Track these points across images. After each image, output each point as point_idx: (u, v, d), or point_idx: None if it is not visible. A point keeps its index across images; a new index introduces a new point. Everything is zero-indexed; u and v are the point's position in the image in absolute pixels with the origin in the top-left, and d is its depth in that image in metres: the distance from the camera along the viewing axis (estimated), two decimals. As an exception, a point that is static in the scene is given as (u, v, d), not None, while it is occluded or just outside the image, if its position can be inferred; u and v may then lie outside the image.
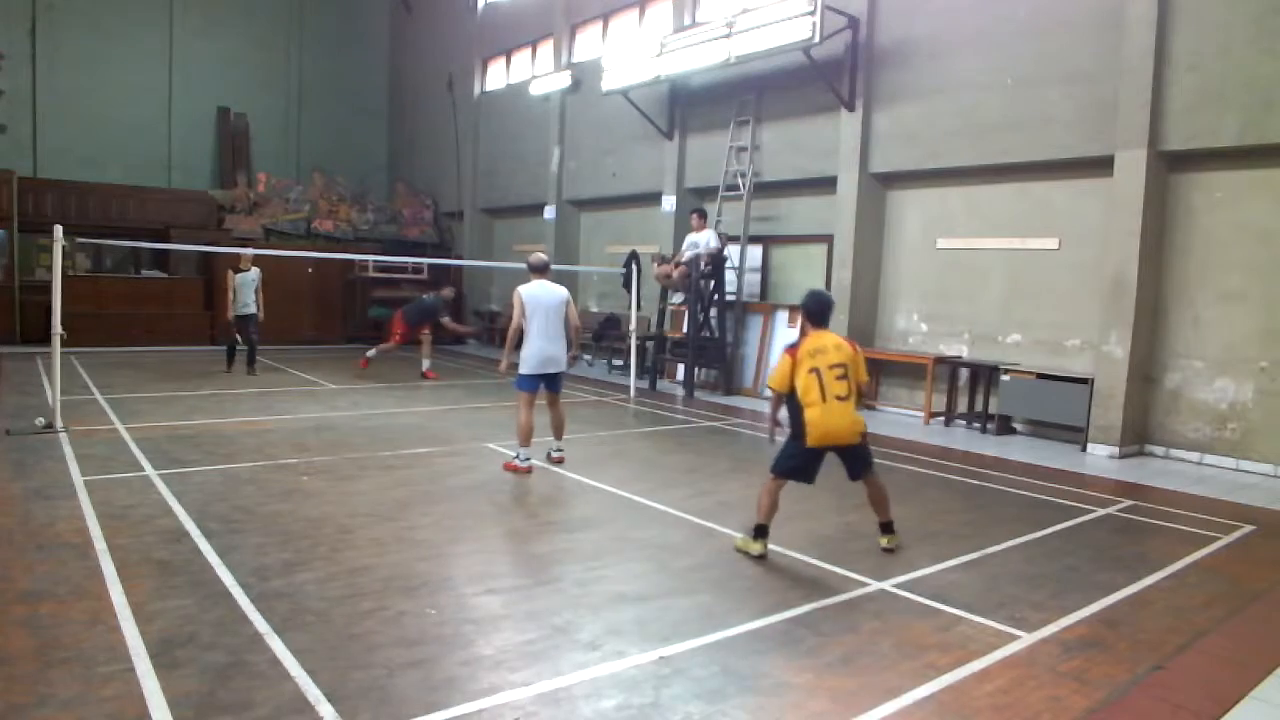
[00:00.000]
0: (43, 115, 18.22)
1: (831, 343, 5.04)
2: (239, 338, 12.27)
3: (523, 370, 6.81)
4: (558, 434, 7.25)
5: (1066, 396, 9.01)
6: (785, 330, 12.11)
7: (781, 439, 5.21)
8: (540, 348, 6.77)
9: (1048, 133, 9.19)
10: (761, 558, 4.92)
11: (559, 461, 7.20)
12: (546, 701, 3.19)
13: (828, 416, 4.86)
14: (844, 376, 4.95)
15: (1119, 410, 8.56)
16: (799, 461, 5.01)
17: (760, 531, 4.98)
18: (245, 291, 12.05)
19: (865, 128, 10.94)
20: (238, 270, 12.11)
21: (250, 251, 12.30)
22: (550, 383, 7.01)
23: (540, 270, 6.97)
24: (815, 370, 4.90)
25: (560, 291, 6.94)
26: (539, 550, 4.99)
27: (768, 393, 5.34)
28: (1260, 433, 8.06)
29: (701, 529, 5.55)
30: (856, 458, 5.10)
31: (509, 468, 6.87)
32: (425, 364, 13.19)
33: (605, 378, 13.89)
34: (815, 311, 5.30)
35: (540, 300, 6.79)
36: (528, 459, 6.81)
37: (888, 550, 5.15)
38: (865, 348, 11.21)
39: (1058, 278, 9.58)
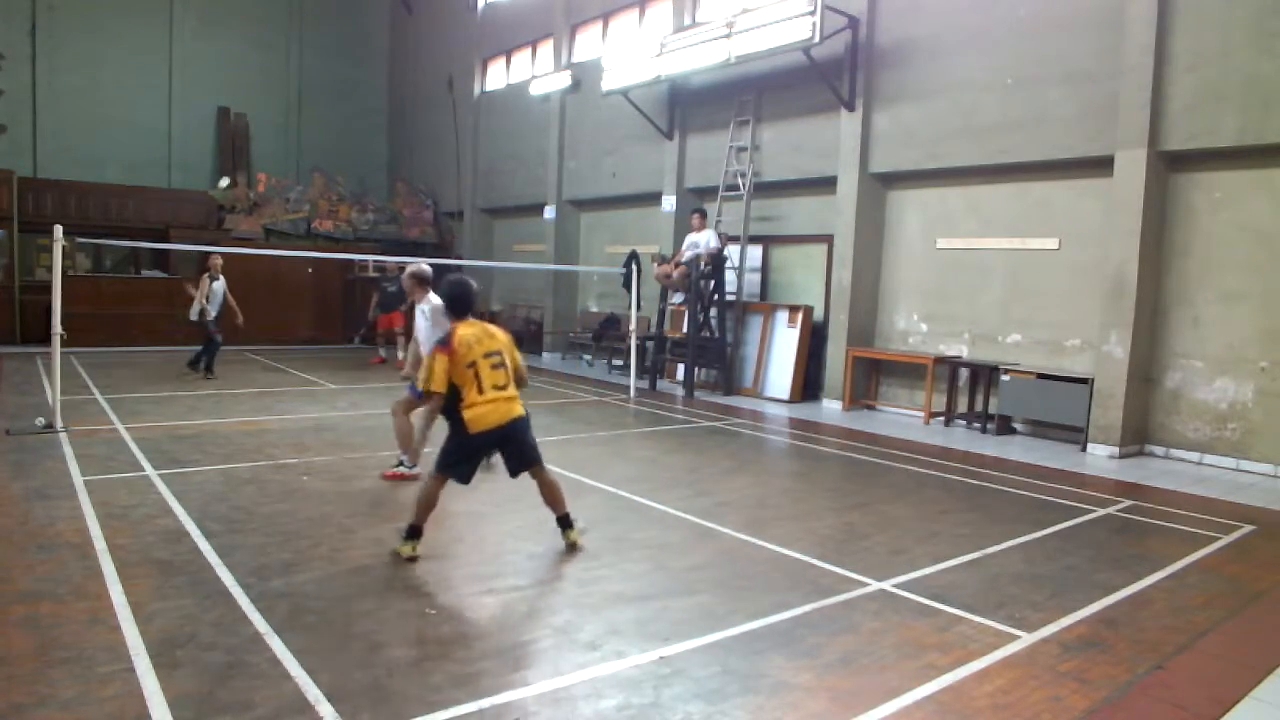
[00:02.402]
0: (43, 115, 18.22)
1: (484, 331, 4.77)
2: (215, 337, 11.67)
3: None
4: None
5: (1066, 396, 9.01)
6: (785, 330, 12.11)
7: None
8: None
9: (1048, 133, 9.19)
10: (413, 560, 4.64)
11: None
12: (546, 701, 3.19)
13: (489, 413, 4.63)
14: (499, 365, 4.71)
15: (1119, 410, 8.56)
16: (457, 450, 4.70)
17: (414, 532, 4.69)
18: (216, 298, 11.62)
19: (865, 128, 10.94)
20: (214, 277, 11.57)
21: (219, 256, 11.72)
22: None
23: (430, 282, 6.71)
24: (473, 364, 4.60)
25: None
26: (539, 550, 4.99)
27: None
28: (1260, 433, 8.06)
29: (701, 529, 5.54)
30: (519, 449, 4.83)
31: (392, 476, 6.47)
32: (390, 352, 13.89)
33: (605, 378, 13.88)
34: (456, 300, 4.88)
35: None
36: (414, 465, 6.50)
37: (573, 546, 4.94)
38: (865, 348, 11.39)
39: (1058, 278, 9.58)
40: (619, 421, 9.91)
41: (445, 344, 4.67)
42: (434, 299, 6.55)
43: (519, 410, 4.80)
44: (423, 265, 6.89)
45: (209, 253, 11.61)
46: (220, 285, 11.71)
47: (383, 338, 14.46)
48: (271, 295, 16.46)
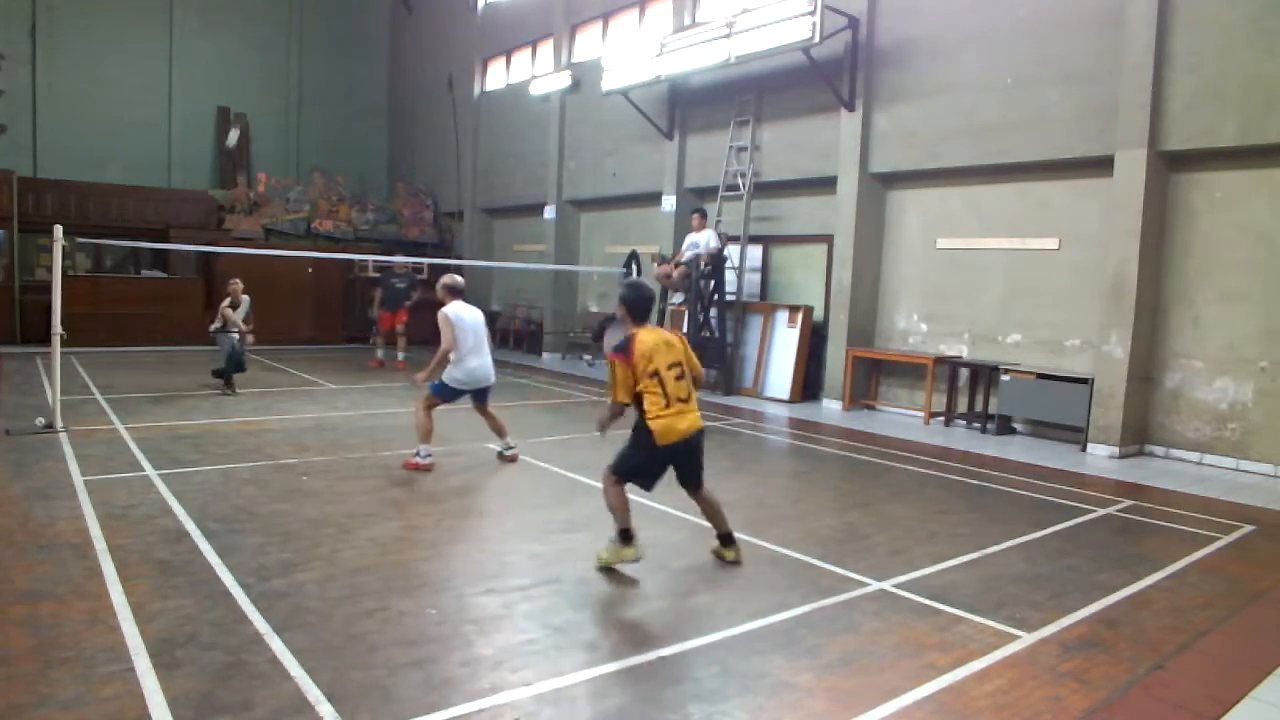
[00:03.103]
0: (43, 115, 18.23)
1: (662, 339, 4.67)
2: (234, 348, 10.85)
3: (449, 382, 6.85)
4: (502, 435, 7.33)
5: (1066, 396, 9.01)
6: (785, 330, 12.12)
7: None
8: (474, 367, 6.88)
9: (1048, 133, 9.19)
10: (638, 560, 4.62)
11: (513, 459, 7.27)
12: (546, 701, 3.19)
13: (676, 423, 4.57)
14: (682, 376, 4.65)
15: (1119, 410, 8.56)
16: (643, 461, 4.65)
17: (626, 536, 4.63)
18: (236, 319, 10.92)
19: (865, 128, 10.95)
20: (235, 305, 10.78)
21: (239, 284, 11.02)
22: (478, 395, 7.12)
23: (460, 292, 7.09)
24: (656, 374, 4.55)
25: (479, 312, 7.14)
26: (539, 550, 4.99)
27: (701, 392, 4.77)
28: (1260, 433, 8.06)
29: (701, 529, 5.53)
30: (695, 462, 4.77)
31: (409, 465, 6.83)
32: (388, 353, 13.74)
33: (605, 378, 13.86)
34: (637, 304, 4.79)
35: (466, 320, 6.90)
36: (429, 456, 6.84)
37: (733, 562, 4.82)
38: (865, 348, 11.39)
39: (1058, 278, 9.58)
40: (619, 421, 9.88)
41: (625, 352, 4.57)
42: (451, 309, 6.84)
43: (700, 422, 4.76)
44: (456, 277, 7.25)
45: (208, 254, 11.45)
46: (242, 310, 10.93)
47: (383, 337, 14.30)
48: (271, 295, 16.42)
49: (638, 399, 4.62)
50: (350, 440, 7.99)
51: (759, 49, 11.12)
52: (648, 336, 4.64)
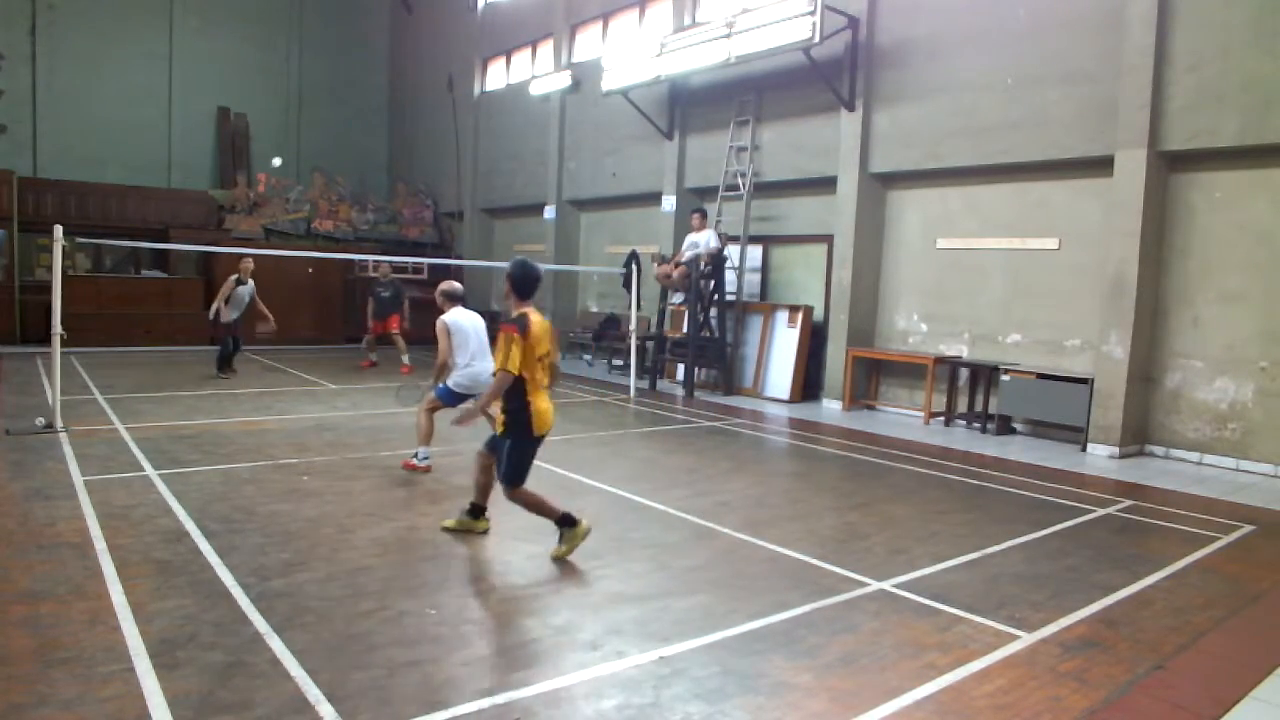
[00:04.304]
0: (43, 115, 18.22)
1: (545, 324, 4.71)
2: (230, 339, 11.74)
3: (454, 387, 6.81)
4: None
5: (1066, 396, 9.01)
6: (785, 330, 12.11)
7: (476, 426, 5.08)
8: (477, 371, 6.82)
9: (1048, 133, 9.19)
10: (589, 530, 4.77)
11: None
12: (546, 701, 3.19)
13: (549, 410, 4.70)
14: (550, 363, 4.76)
15: (1119, 410, 8.56)
16: (528, 457, 4.74)
17: (569, 520, 4.71)
18: (240, 301, 11.62)
19: (865, 128, 10.94)
20: (240, 281, 11.56)
21: (250, 260, 11.76)
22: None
23: (459, 298, 7.07)
24: (540, 358, 4.62)
25: (479, 317, 7.13)
26: (539, 550, 4.99)
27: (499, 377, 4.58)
28: (1260, 433, 8.06)
29: (701, 529, 5.54)
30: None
31: (408, 466, 6.85)
32: (404, 359, 13.58)
33: (605, 378, 13.88)
34: (524, 282, 4.73)
35: (466, 327, 6.87)
36: (426, 458, 6.84)
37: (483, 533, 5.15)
38: (865, 348, 11.39)
39: (1058, 278, 9.58)
40: (619, 421, 9.91)
41: (521, 328, 4.50)
42: (450, 317, 6.82)
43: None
44: (455, 284, 7.23)
45: (208, 254, 11.64)
46: (246, 290, 11.66)
47: (373, 341, 14.16)
48: (271, 295, 16.36)
49: (518, 382, 4.56)
50: (350, 440, 7.99)
51: (759, 49, 11.12)
52: (535, 318, 4.65)
